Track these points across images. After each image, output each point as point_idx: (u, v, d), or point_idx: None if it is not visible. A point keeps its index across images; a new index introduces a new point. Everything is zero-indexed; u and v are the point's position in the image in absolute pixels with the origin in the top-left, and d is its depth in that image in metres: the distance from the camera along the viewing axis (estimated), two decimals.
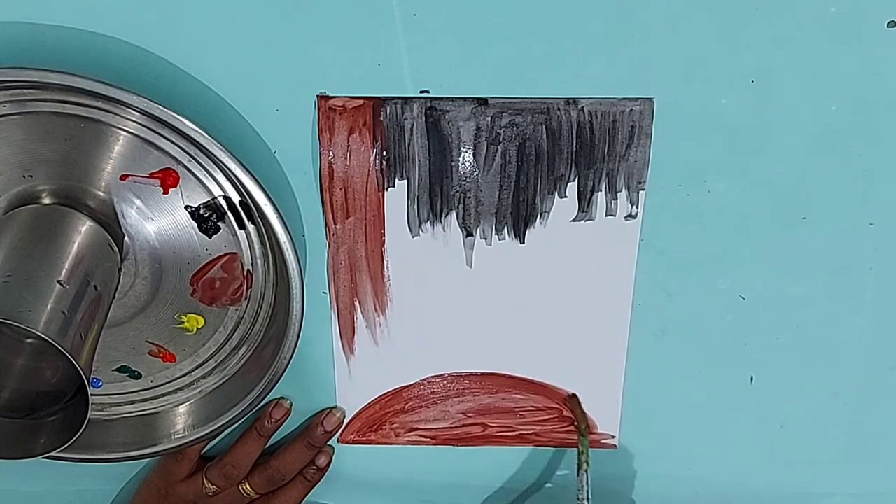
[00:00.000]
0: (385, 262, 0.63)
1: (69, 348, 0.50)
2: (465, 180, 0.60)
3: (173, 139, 0.56)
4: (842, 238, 0.61)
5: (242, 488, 0.69)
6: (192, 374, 0.65)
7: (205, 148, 0.54)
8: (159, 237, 0.59)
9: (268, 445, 0.69)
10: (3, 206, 0.57)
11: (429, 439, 0.70)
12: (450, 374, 0.68)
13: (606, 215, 0.61)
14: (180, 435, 0.66)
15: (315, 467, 0.69)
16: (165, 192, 0.57)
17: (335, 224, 0.62)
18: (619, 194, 0.60)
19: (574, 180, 0.60)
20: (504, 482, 0.72)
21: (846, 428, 0.68)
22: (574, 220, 0.61)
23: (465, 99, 0.58)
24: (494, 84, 0.57)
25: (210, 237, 0.59)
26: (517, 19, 0.55)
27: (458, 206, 0.61)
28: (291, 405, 0.68)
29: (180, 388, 0.66)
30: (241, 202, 0.58)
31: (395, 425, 0.70)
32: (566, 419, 0.69)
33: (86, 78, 0.52)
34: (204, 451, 0.70)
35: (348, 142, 0.59)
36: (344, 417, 0.69)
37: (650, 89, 0.57)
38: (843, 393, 0.67)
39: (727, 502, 0.72)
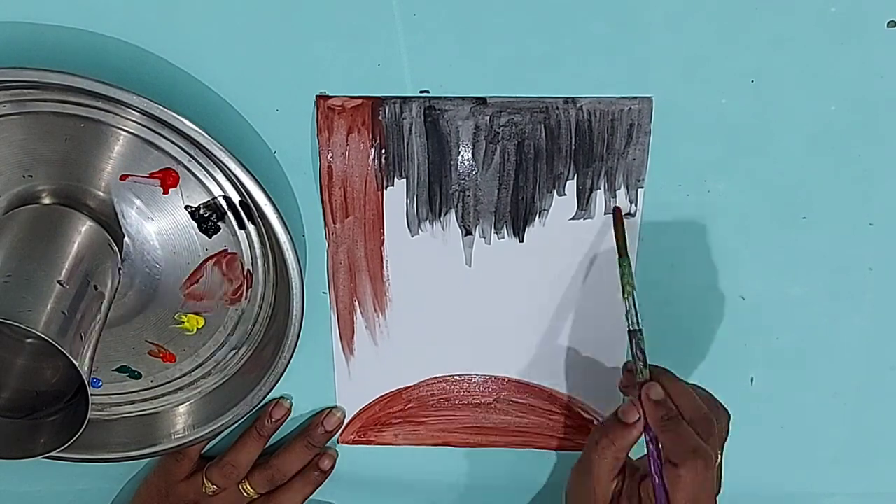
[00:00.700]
0: (384, 262, 0.63)
1: (69, 348, 0.50)
2: (464, 179, 0.60)
3: (173, 139, 0.56)
4: (842, 238, 0.61)
5: (243, 488, 0.69)
6: (192, 374, 0.65)
7: (205, 148, 0.54)
8: (159, 237, 0.59)
9: (268, 445, 0.69)
10: (3, 206, 0.57)
11: (428, 440, 0.70)
12: (449, 376, 0.68)
13: (605, 213, 0.61)
14: (180, 435, 0.66)
15: (318, 470, 0.69)
16: (165, 192, 0.57)
17: (334, 223, 0.62)
18: (617, 192, 0.60)
19: (573, 178, 0.60)
20: (504, 482, 0.72)
21: (846, 428, 0.68)
22: (573, 219, 0.61)
23: (463, 98, 0.58)
24: (493, 83, 0.57)
25: (210, 237, 0.59)
26: (517, 19, 0.55)
27: (457, 205, 0.61)
28: (291, 405, 0.68)
29: (180, 388, 0.66)
30: (241, 202, 0.58)
31: (394, 426, 0.70)
32: (566, 421, 0.69)
33: (86, 78, 0.52)
34: (204, 450, 0.70)
35: (347, 141, 0.59)
36: (344, 417, 0.69)
37: (650, 89, 0.57)
38: (843, 393, 0.67)
39: (727, 502, 0.72)
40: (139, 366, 0.64)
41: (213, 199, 0.58)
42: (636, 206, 0.61)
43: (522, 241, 0.62)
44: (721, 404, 0.61)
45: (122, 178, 0.57)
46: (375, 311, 0.65)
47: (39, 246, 0.55)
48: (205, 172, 0.57)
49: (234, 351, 0.64)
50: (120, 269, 0.59)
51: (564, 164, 0.60)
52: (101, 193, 0.57)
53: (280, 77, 0.57)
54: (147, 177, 0.57)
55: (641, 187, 0.60)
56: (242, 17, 0.56)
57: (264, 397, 0.63)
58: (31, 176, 0.57)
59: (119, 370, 0.65)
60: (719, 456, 0.60)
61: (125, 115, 0.55)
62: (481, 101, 0.58)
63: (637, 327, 0.60)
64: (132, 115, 0.55)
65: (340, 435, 0.70)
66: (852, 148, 0.59)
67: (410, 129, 0.59)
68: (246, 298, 0.62)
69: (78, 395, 0.55)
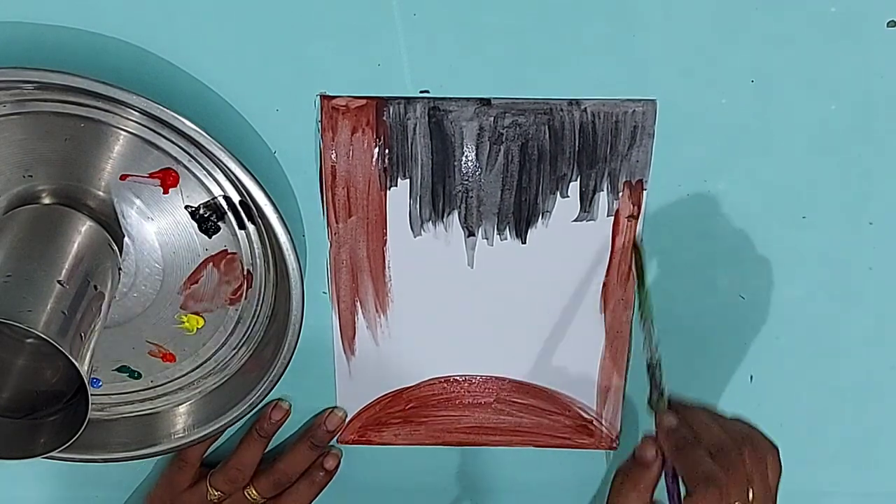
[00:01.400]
0: (387, 262, 0.63)
1: (69, 348, 0.50)
2: (467, 180, 0.60)
3: (173, 139, 0.56)
4: (842, 238, 0.61)
5: (248, 493, 0.68)
6: (192, 374, 0.65)
7: (205, 148, 0.54)
8: (159, 237, 0.59)
9: (270, 448, 0.69)
10: (3, 206, 0.57)
11: (429, 440, 0.70)
12: (450, 377, 0.68)
13: (608, 215, 0.61)
14: (180, 435, 0.66)
15: (324, 470, 0.69)
16: (165, 192, 0.57)
17: (337, 223, 0.62)
18: (620, 195, 0.60)
19: (576, 180, 0.60)
20: (504, 482, 0.72)
21: (846, 427, 0.68)
22: (576, 220, 0.61)
23: (467, 99, 0.58)
24: (497, 85, 0.57)
25: (210, 237, 0.59)
26: (519, 19, 0.55)
27: (460, 206, 0.61)
28: (291, 406, 0.68)
29: (180, 388, 0.66)
30: (241, 202, 0.58)
31: (395, 426, 0.70)
32: (566, 421, 0.69)
33: (86, 78, 0.52)
34: (205, 457, 0.70)
35: (351, 141, 0.59)
36: (346, 417, 0.69)
37: (650, 90, 0.57)
38: (842, 393, 0.67)
39: None
40: (139, 366, 0.64)
41: (213, 199, 0.58)
42: (638, 208, 0.61)
43: (525, 243, 0.62)
44: (765, 438, 0.58)
45: (122, 178, 0.57)
46: (377, 311, 0.65)
47: (39, 246, 0.55)
48: (205, 172, 0.57)
49: (234, 351, 0.64)
50: (120, 269, 0.59)
51: (568, 166, 0.60)
52: (101, 193, 0.57)
53: (280, 77, 0.57)
54: (147, 177, 0.57)
55: (644, 189, 0.60)
56: (242, 16, 0.56)
57: (264, 397, 0.63)
58: (31, 176, 0.57)
59: (119, 370, 0.65)
60: (752, 491, 0.56)
61: (125, 115, 0.55)
62: (485, 102, 0.58)
63: (656, 359, 0.59)
64: (132, 115, 0.55)
65: (340, 435, 0.70)
66: (852, 148, 0.59)
67: (414, 130, 0.59)
68: (246, 298, 0.62)
69: (78, 395, 0.55)
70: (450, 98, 0.58)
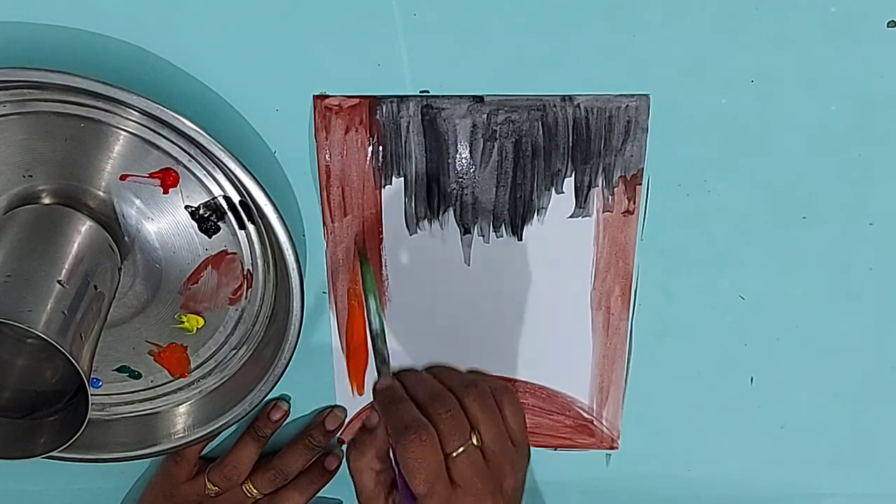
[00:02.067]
0: (383, 261, 0.63)
1: (69, 348, 0.50)
2: (461, 177, 0.60)
3: (173, 139, 0.56)
4: (842, 238, 0.61)
5: (246, 489, 0.69)
6: (192, 373, 0.65)
7: (205, 148, 0.54)
8: (159, 237, 0.59)
9: (270, 446, 0.69)
10: (3, 206, 0.57)
11: None
12: None
13: (604, 211, 0.61)
14: (180, 435, 0.66)
15: (324, 470, 0.69)
16: (165, 192, 0.57)
17: (333, 222, 0.62)
18: (615, 189, 0.60)
19: (571, 176, 0.60)
20: None
21: (846, 428, 0.68)
22: (571, 217, 0.61)
23: (460, 97, 0.58)
24: (491, 82, 0.57)
25: (210, 237, 0.59)
26: (515, 18, 0.55)
27: (455, 204, 0.61)
28: (290, 406, 0.68)
29: (180, 388, 0.66)
30: (241, 202, 0.58)
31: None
32: (566, 421, 0.69)
33: (86, 78, 0.52)
34: (204, 452, 0.70)
35: (345, 140, 0.59)
36: (345, 417, 0.69)
37: (650, 90, 0.57)
38: (843, 393, 0.67)
39: (727, 502, 0.72)
40: (139, 366, 0.64)
41: (213, 199, 0.58)
42: (634, 203, 0.61)
43: (521, 240, 0.62)
44: (495, 382, 0.55)
45: (122, 178, 0.57)
46: None
47: (39, 246, 0.55)
48: (205, 172, 0.57)
49: (234, 351, 0.64)
50: (120, 269, 0.59)
51: (562, 162, 0.60)
52: (101, 193, 0.57)
53: (280, 77, 0.57)
54: (147, 177, 0.57)
55: (639, 184, 0.60)
56: (242, 16, 0.56)
57: (264, 397, 0.63)
58: (31, 176, 0.57)
59: (119, 370, 0.65)
60: (478, 434, 0.55)
61: (125, 115, 0.55)
62: (479, 99, 0.58)
63: (375, 330, 0.60)
64: (132, 115, 0.55)
65: (341, 434, 0.70)
66: (852, 148, 0.59)
67: (408, 128, 0.59)
68: (246, 298, 0.62)
69: (78, 395, 0.55)
70: (443, 96, 0.58)
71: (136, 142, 0.56)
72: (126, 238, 0.58)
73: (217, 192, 0.58)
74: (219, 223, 0.59)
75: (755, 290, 0.63)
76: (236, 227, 0.59)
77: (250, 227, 0.59)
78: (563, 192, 0.61)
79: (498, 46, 0.56)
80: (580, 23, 0.55)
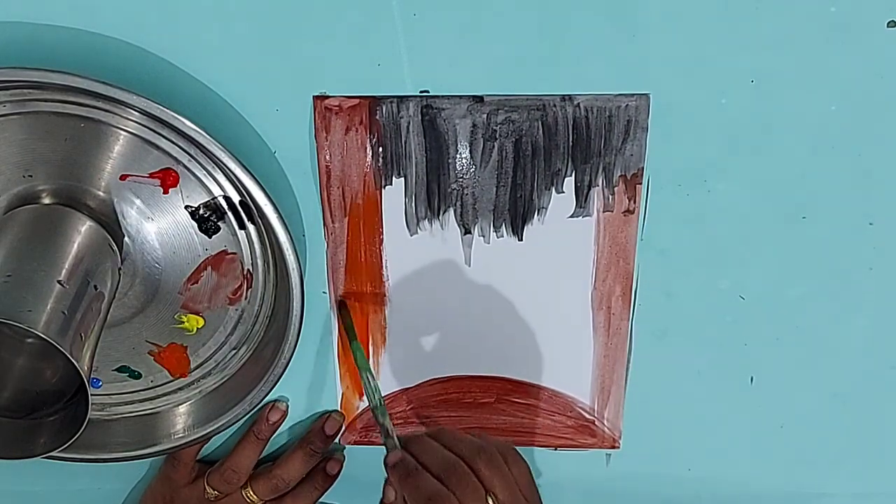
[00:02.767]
0: (383, 261, 0.63)
1: (69, 348, 0.50)
2: (462, 177, 0.60)
3: (173, 139, 0.56)
4: (842, 238, 0.61)
5: (246, 495, 0.68)
6: (192, 373, 0.65)
7: (205, 148, 0.54)
8: (159, 237, 0.59)
9: (271, 452, 0.69)
10: (3, 206, 0.57)
11: None
12: (449, 377, 0.68)
13: (604, 211, 0.61)
14: (180, 435, 0.66)
15: (326, 475, 0.69)
16: (165, 192, 0.57)
17: (333, 223, 0.62)
18: (615, 189, 0.60)
19: (571, 175, 0.60)
20: None
21: (846, 428, 0.68)
22: (572, 216, 0.61)
23: (460, 97, 0.58)
24: (490, 81, 0.57)
25: (210, 237, 0.59)
26: (515, 17, 0.55)
27: (455, 204, 0.61)
28: (288, 407, 0.68)
29: (180, 388, 0.66)
30: (241, 202, 0.58)
31: (396, 426, 0.69)
32: (567, 421, 0.69)
33: (86, 78, 0.52)
34: (204, 456, 0.70)
35: (345, 141, 0.59)
36: (344, 421, 0.69)
37: (650, 89, 0.57)
38: (843, 393, 0.67)
39: (727, 502, 0.72)
40: (139, 366, 0.64)
41: (213, 199, 0.58)
42: (634, 202, 0.61)
43: (521, 240, 0.62)
44: (498, 443, 0.57)
45: (122, 178, 0.57)
46: (375, 310, 0.65)
47: (39, 246, 0.55)
48: (205, 172, 0.57)
49: (234, 351, 0.64)
50: (120, 269, 0.59)
51: (562, 161, 0.59)
52: (101, 193, 0.57)
53: (280, 77, 0.57)
54: (147, 177, 0.57)
55: (639, 183, 0.60)
56: (243, 17, 0.56)
57: (264, 397, 0.63)
58: (31, 176, 0.57)
59: (119, 370, 0.65)
60: (493, 497, 0.55)
61: (125, 115, 0.55)
62: (478, 99, 0.58)
63: (374, 404, 0.61)
64: (132, 115, 0.55)
65: (342, 436, 0.70)
66: (852, 148, 0.59)
67: (408, 128, 0.59)
68: (246, 298, 0.62)
69: (78, 395, 0.55)
70: (443, 96, 0.58)
71: (136, 142, 0.56)
72: (126, 238, 0.58)
73: (217, 192, 0.58)
74: (219, 223, 0.59)
75: (755, 290, 0.63)
76: (236, 227, 0.59)
77: (250, 227, 0.59)
78: (563, 192, 0.61)
79: (497, 46, 0.56)
80: (580, 23, 0.55)
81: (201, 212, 0.58)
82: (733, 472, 0.71)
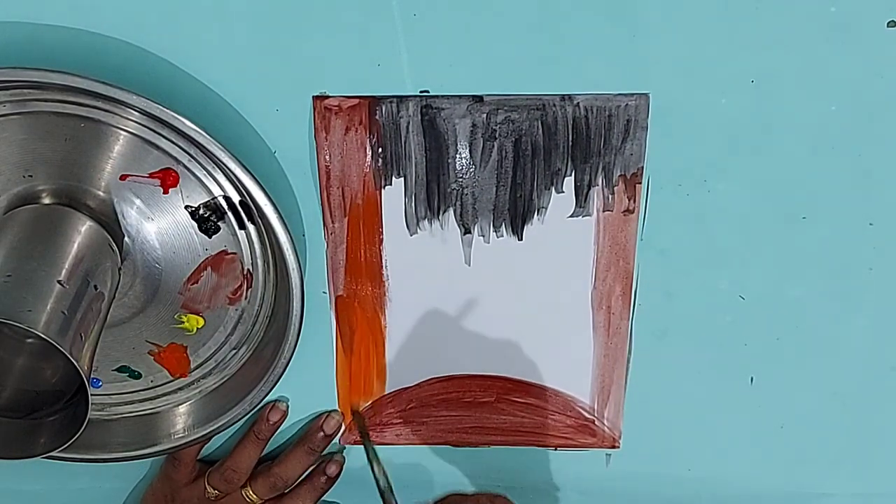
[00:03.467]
0: (383, 261, 0.63)
1: (69, 348, 0.50)
2: (461, 177, 0.60)
3: (173, 139, 0.56)
4: (842, 238, 0.61)
5: (246, 494, 0.68)
6: (192, 373, 0.65)
7: (205, 148, 0.54)
8: (159, 237, 0.59)
9: (271, 451, 0.69)
10: (3, 206, 0.57)
11: (430, 440, 0.70)
12: (449, 377, 0.68)
13: (604, 210, 0.61)
14: (180, 435, 0.66)
15: (325, 476, 0.69)
16: (165, 192, 0.57)
17: (333, 223, 0.62)
18: (615, 189, 0.60)
19: (570, 175, 0.60)
20: (505, 482, 0.72)
21: (846, 428, 0.68)
22: (572, 216, 0.61)
23: (460, 96, 0.58)
24: (491, 82, 0.57)
25: (210, 237, 0.59)
26: (517, 17, 0.55)
27: (455, 204, 0.61)
28: (288, 407, 0.68)
29: (180, 388, 0.66)
30: (241, 202, 0.58)
31: (396, 426, 0.70)
32: (567, 421, 0.69)
33: (86, 78, 0.52)
34: (204, 455, 0.70)
35: (344, 141, 0.59)
36: (343, 420, 0.69)
37: (650, 89, 0.57)
38: (843, 393, 0.67)
39: (727, 502, 0.72)
40: (139, 366, 0.64)
41: (213, 199, 0.58)
42: (634, 202, 0.61)
43: (521, 240, 0.62)
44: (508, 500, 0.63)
45: (122, 178, 0.57)
46: (375, 311, 0.65)
47: (39, 246, 0.55)
48: (205, 172, 0.57)
49: (234, 351, 0.64)
50: (120, 269, 0.59)
51: (562, 161, 0.59)
52: (101, 193, 0.57)
53: (280, 77, 0.57)
54: (147, 177, 0.57)
55: (639, 183, 0.60)
56: (243, 16, 0.56)
57: (264, 397, 0.63)
58: (31, 176, 0.57)
59: (119, 370, 0.65)
60: None
61: (125, 115, 0.55)
62: (478, 98, 0.58)
63: (384, 486, 0.65)
64: (132, 115, 0.55)
65: (342, 436, 0.70)
66: (852, 148, 0.59)
67: (407, 128, 0.59)
68: (246, 298, 0.62)
69: (78, 395, 0.55)
70: (442, 96, 0.58)
71: (136, 142, 0.56)
72: (126, 238, 0.58)
73: (217, 192, 0.58)
74: (219, 223, 0.59)
75: (755, 290, 0.63)
76: (236, 227, 0.59)
77: (250, 227, 0.59)
78: (563, 192, 0.61)
79: (497, 46, 0.56)
80: (580, 23, 0.55)
81: (201, 212, 0.58)
82: (733, 472, 0.71)
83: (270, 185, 0.57)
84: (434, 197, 0.61)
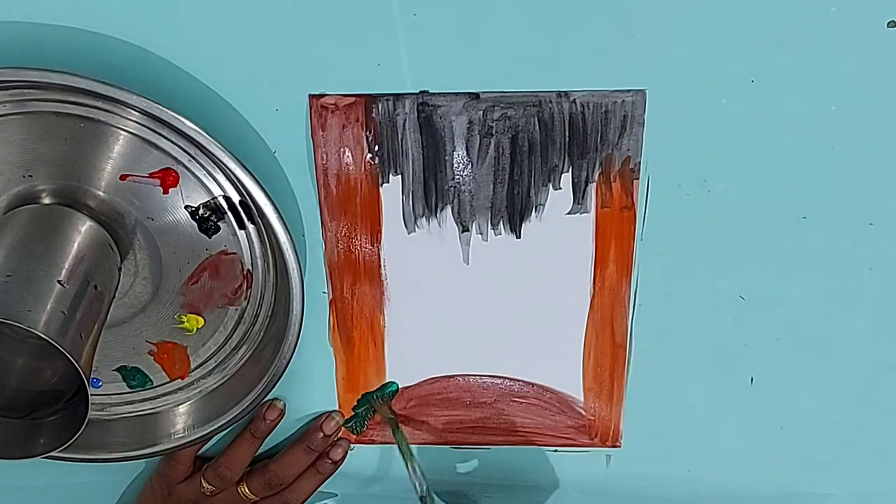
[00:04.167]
0: (382, 260, 0.63)
1: (69, 348, 0.50)
2: (459, 174, 0.60)
3: (173, 139, 0.56)
4: (842, 238, 0.61)
5: (241, 491, 0.69)
6: (192, 373, 0.65)
7: (205, 148, 0.54)
8: (159, 237, 0.59)
9: (270, 450, 0.69)
10: (3, 206, 0.57)
11: (430, 439, 0.70)
12: (449, 376, 0.68)
13: (602, 207, 0.61)
14: (180, 435, 0.66)
15: (330, 460, 0.69)
16: (165, 192, 0.57)
17: (331, 221, 0.62)
18: (613, 185, 0.60)
19: (568, 171, 0.60)
20: (505, 481, 0.72)
21: (846, 428, 0.68)
22: (570, 213, 0.61)
23: (456, 94, 0.58)
24: (487, 78, 0.57)
25: (210, 237, 0.59)
26: (518, 18, 0.55)
27: (452, 201, 0.61)
28: (285, 406, 0.68)
29: (180, 388, 0.66)
30: (241, 202, 0.58)
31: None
32: (567, 420, 0.69)
33: (86, 78, 0.52)
34: (202, 451, 0.70)
35: (341, 139, 0.59)
36: (342, 421, 0.69)
37: (650, 90, 0.57)
38: (843, 393, 0.67)
39: (727, 502, 0.72)
40: (139, 366, 0.64)
41: (213, 199, 0.58)
42: (632, 199, 0.61)
43: (520, 237, 0.62)
44: None
45: (122, 178, 0.57)
46: (374, 310, 0.65)
47: (39, 246, 0.55)
48: (205, 172, 0.57)
49: (234, 351, 0.64)
50: (120, 269, 0.59)
51: (559, 157, 0.59)
52: (101, 193, 0.57)
53: (280, 77, 0.57)
54: (147, 177, 0.57)
55: (637, 179, 0.60)
56: (243, 16, 0.56)
57: (264, 397, 0.63)
58: (31, 176, 0.57)
59: (119, 370, 0.65)
60: None
61: (125, 115, 0.55)
62: (474, 96, 0.58)
63: (423, 492, 0.63)
64: (132, 115, 0.55)
65: (342, 435, 0.70)
66: (852, 148, 0.59)
67: (404, 126, 0.59)
68: (246, 298, 0.62)
69: (78, 395, 0.55)
70: (438, 93, 0.57)
71: (136, 142, 0.56)
72: (126, 238, 0.58)
73: (217, 192, 0.58)
74: (219, 223, 0.59)
75: (755, 290, 0.63)
76: (236, 227, 0.59)
77: (250, 227, 0.59)
78: (560, 189, 0.60)
79: (493, 43, 0.56)
80: (580, 23, 0.55)
81: (201, 212, 0.58)
82: (733, 473, 0.71)
83: (270, 185, 0.57)
84: (432, 194, 0.61)
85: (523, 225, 0.62)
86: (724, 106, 0.57)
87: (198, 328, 0.63)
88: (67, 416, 0.55)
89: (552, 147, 0.59)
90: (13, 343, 0.58)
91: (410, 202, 0.61)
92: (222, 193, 0.58)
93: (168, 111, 0.53)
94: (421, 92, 0.57)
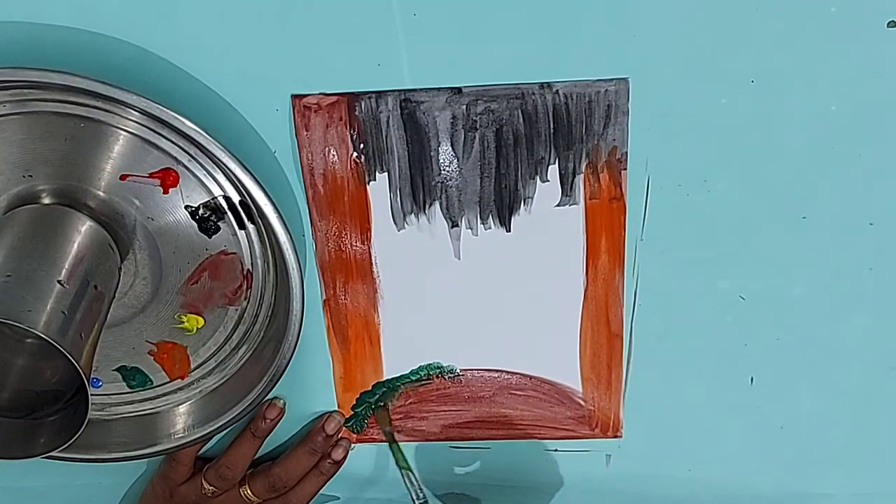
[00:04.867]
0: (373, 258, 0.63)
1: (69, 348, 0.50)
2: (445, 169, 0.60)
3: (173, 139, 0.56)
4: (842, 238, 0.61)
5: (245, 494, 0.69)
6: (192, 373, 0.65)
7: (205, 148, 0.54)
8: (159, 237, 0.59)
9: (272, 451, 0.69)
10: (3, 206, 0.57)
11: (430, 436, 0.70)
12: (448, 373, 0.68)
13: (591, 199, 0.61)
14: (180, 435, 0.66)
15: (331, 460, 0.69)
16: (165, 192, 0.57)
17: (320, 221, 0.62)
18: (600, 176, 0.60)
19: (554, 163, 0.60)
20: (504, 482, 0.72)
21: (846, 428, 0.68)
22: (558, 205, 0.61)
23: (438, 89, 0.57)
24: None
25: (210, 237, 0.59)
26: (518, 18, 0.55)
27: (440, 196, 0.61)
28: (285, 405, 0.68)
29: (180, 388, 0.66)
30: (241, 202, 0.58)
31: (395, 423, 0.70)
32: (566, 412, 0.69)
33: (86, 78, 0.52)
34: (203, 451, 0.70)
35: (325, 138, 0.59)
36: (343, 421, 0.69)
37: (650, 90, 0.57)
38: (843, 393, 0.67)
39: (727, 502, 0.72)
40: (139, 366, 0.64)
41: (213, 199, 0.58)
42: (621, 189, 0.60)
43: (509, 231, 0.62)
44: None
45: (122, 178, 0.57)
46: (368, 308, 0.65)
47: (39, 246, 0.55)
48: (205, 172, 0.57)
49: (234, 351, 0.64)
50: (120, 269, 0.59)
51: (545, 149, 0.59)
52: (101, 193, 0.57)
53: (280, 77, 0.57)
54: (147, 177, 0.57)
55: (624, 169, 0.60)
56: (243, 16, 0.56)
57: (264, 397, 0.63)
58: (31, 176, 0.57)
59: (119, 370, 0.65)
60: None
61: (125, 115, 0.55)
62: (457, 90, 0.58)
63: (422, 500, 0.64)
64: (132, 115, 0.55)
65: (343, 434, 0.70)
66: (852, 148, 0.59)
67: (388, 123, 0.58)
68: (246, 298, 0.62)
69: (78, 395, 0.55)
70: (420, 89, 0.57)
71: (136, 142, 0.56)
72: (126, 238, 0.58)
73: (217, 192, 0.58)
74: (219, 223, 0.59)
75: (755, 290, 0.63)
76: (236, 227, 0.59)
77: (250, 227, 0.59)
78: (548, 181, 0.60)
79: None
80: (580, 23, 0.55)
81: (201, 212, 0.58)
82: (733, 473, 0.71)
83: (270, 185, 0.57)
84: (419, 191, 0.61)
85: (513, 218, 0.62)
86: (724, 106, 0.57)
87: (198, 328, 0.63)
88: (67, 416, 0.55)
89: (537, 139, 0.59)
90: (13, 343, 0.58)
91: (398, 199, 0.61)
92: (222, 193, 0.58)
93: (168, 111, 0.53)
94: (420, 90, 0.57)
